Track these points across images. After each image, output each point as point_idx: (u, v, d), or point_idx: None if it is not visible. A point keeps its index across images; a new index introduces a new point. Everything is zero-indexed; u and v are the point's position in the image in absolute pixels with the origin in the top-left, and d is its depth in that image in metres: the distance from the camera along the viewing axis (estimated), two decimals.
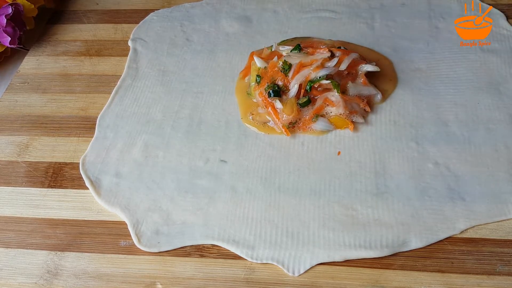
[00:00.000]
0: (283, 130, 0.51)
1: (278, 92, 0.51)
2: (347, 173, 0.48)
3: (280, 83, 0.52)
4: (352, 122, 0.51)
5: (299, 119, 0.51)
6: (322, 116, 0.51)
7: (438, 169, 0.47)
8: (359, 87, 0.53)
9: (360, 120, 0.51)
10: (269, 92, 0.51)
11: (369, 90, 0.53)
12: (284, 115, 0.51)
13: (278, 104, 0.51)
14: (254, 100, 0.54)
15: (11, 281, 0.43)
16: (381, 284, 0.41)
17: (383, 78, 0.55)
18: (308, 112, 0.51)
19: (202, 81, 0.58)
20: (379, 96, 0.53)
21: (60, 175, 0.51)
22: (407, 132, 0.50)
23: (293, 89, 0.51)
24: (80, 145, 0.53)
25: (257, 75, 0.53)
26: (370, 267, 0.42)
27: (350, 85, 0.52)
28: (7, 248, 0.46)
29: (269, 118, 0.52)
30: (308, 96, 0.51)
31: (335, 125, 0.51)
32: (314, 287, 0.41)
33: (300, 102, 0.51)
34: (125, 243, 0.45)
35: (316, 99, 0.51)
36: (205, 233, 0.44)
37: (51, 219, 0.47)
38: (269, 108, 0.52)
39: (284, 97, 0.52)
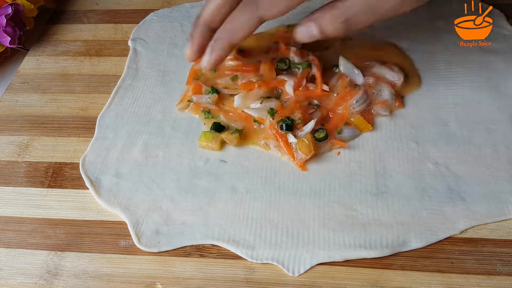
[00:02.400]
0: (298, 166, 0.48)
1: (290, 126, 0.48)
2: (347, 173, 0.48)
3: (296, 116, 0.49)
4: (373, 117, 0.49)
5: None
6: (347, 124, 0.49)
7: (438, 169, 0.47)
8: (382, 69, 0.46)
9: (384, 112, 0.49)
10: (281, 125, 0.48)
11: (393, 75, 0.47)
12: (300, 153, 0.47)
13: (291, 138, 0.48)
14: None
15: (11, 281, 0.43)
16: (381, 284, 0.41)
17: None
18: (326, 146, 0.48)
19: None
20: (400, 81, 0.49)
21: (60, 175, 0.51)
22: (407, 132, 0.50)
23: (310, 124, 0.48)
24: (80, 145, 0.53)
25: (271, 109, 0.50)
26: (370, 267, 0.42)
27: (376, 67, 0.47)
28: (7, 248, 0.45)
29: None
30: (325, 130, 0.48)
31: (359, 130, 0.50)
32: (314, 287, 0.41)
33: (316, 137, 0.48)
34: (125, 243, 0.45)
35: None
36: (205, 233, 0.44)
37: (51, 219, 0.47)
38: (281, 142, 0.48)
39: (297, 132, 0.48)
